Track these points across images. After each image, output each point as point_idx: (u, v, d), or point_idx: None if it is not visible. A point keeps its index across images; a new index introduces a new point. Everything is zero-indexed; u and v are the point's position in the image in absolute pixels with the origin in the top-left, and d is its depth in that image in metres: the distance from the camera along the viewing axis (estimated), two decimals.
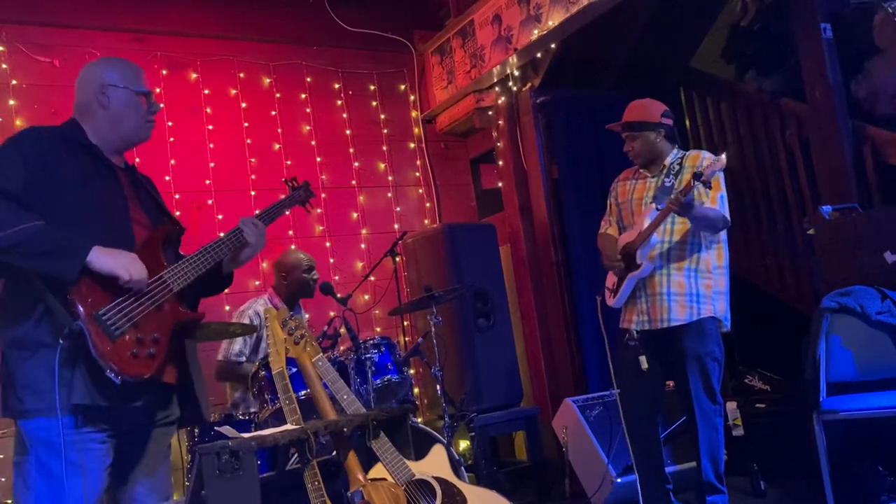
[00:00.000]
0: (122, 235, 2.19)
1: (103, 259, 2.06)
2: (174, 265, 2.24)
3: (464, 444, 5.04)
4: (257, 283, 5.13)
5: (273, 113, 5.49)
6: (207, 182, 5.16)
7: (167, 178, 5.01)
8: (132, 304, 2.10)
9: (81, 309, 2.02)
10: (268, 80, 5.51)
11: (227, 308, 4.87)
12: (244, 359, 4.18)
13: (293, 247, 4.99)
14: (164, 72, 5.16)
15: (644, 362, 3.36)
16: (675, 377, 3.46)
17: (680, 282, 3.36)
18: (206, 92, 5.27)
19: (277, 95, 5.52)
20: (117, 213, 2.24)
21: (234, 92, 5.38)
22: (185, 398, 2.34)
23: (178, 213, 4.98)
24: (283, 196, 2.71)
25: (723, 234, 3.44)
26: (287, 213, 2.71)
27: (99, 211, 2.20)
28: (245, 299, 4.51)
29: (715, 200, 3.32)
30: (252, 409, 3.93)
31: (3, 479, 4.04)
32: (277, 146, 5.47)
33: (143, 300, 2.13)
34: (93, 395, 2.05)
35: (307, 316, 4.54)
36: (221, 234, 2.39)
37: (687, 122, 5.48)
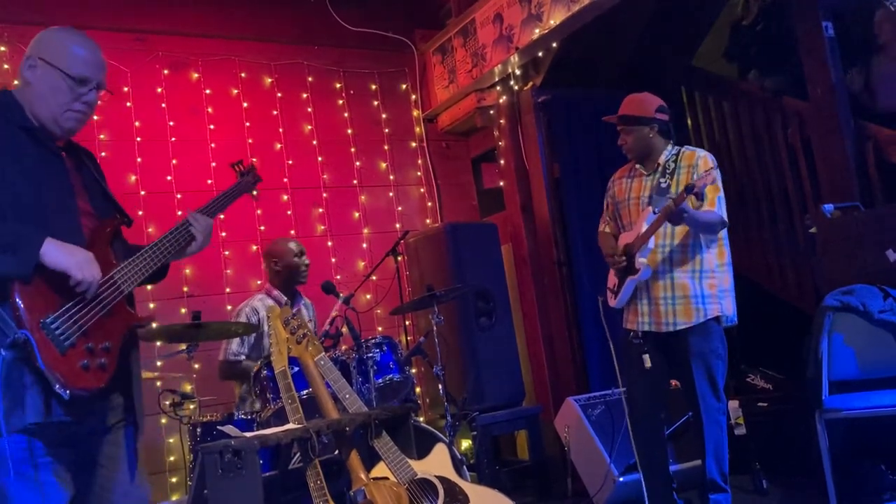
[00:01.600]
0: (72, 231, 1.97)
1: (56, 254, 1.86)
2: (123, 264, 2.04)
3: (466, 443, 5.04)
4: (259, 282, 5.13)
5: (274, 112, 5.50)
6: (209, 182, 5.16)
7: (169, 177, 5.02)
8: (82, 311, 1.90)
9: (27, 316, 1.81)
10: (269, 80, 5.51)
11: (229, 308, 4.88)
12: (243, 357, 4.19)
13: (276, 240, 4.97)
14: (166, 71, 5.16)
15: (647, 360, 3.37)
16: (679, 376, 3.46)
17: (683, 284, 3.35)
18: (208, 92, 5.28)
19: (279, 95, 5.52)
20: (65, 206, 2.02)
21: (235, 91, 5.38)
22: (128, 404, 2.14)
23: (179, 213, 4.99)
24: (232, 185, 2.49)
25: (723, 232, 3.43)
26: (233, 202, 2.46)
27: (44, 203, 1.96)
28: (246, 299, 4.52)
29: (714, 202, 3.31)
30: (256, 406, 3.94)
31: None
32: (279, 146, 5.47)
33: (94, 305, 1.92)
34: (48, 411, 1.87)
35: (309, 303, 4.54)
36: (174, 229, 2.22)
37: (688, 121, 5.47)
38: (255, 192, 2.56)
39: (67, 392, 1.83)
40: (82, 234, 2.01)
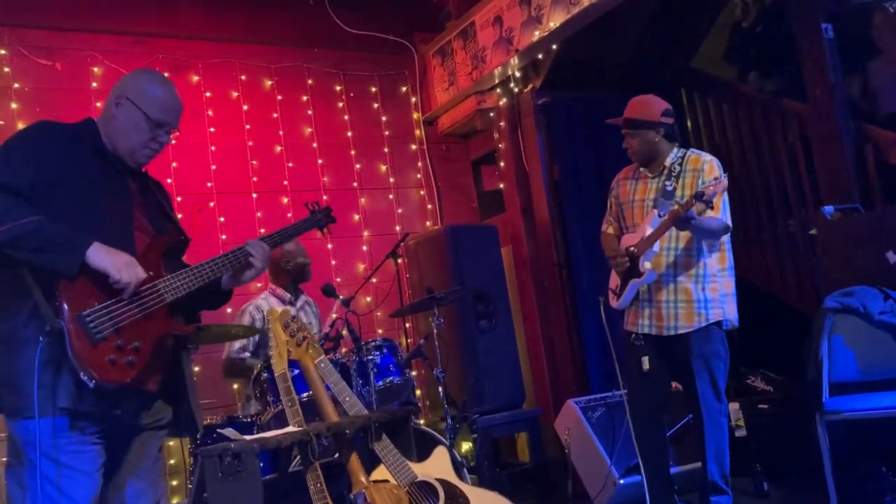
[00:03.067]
0: (123, 241, 2.16)
1: (100, 255, 2.03)
2: (171, 276, 2.19)
3: (466, 446, 5.04)
4: (259, 284, 5.13)
5: (275, 115, 5.50)
6: (209, 184, 5.16)
7: (169, 180, 5.02)
8: (119, 309, 2.06)
9: (66, 308, 1.98)
10: (269, 83, 5.52)
11: (229, 311, 4.87)
12: (247, 354, 4.23)
13: None
14: (166, 74, 5.14)
15: (646, 363, 3.37)
16: (680, 378, 3.46)
17: (686, 288, 3.35)
18: (208, 94, 5.28)
19: (279, 98, 5.53)
20: (120, 218, 2.22)
21: (235, 94, 5.39)
22: (178, 409, 2.32)
23: (180, 216, 4.99)
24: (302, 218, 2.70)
25: (725, 237, 3.43)
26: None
27: (101, 214, 2.17)
28: (246, 300, 4.53)
29: (718, 207, 3.30)
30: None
31: None
32: (279, 148, 5.47)
33: (132, 306, 2.08)
34: (78, 399, 2.01)
35: (312, 300, 4.56)
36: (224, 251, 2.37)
37: (688, 123, 5.47)
38: (327, 232, 2.80)
39: (92, 382, 1.96)
40: (133, 244, 2.19)
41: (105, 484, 2.17)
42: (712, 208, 3.20)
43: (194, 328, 2.29)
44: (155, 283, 2.15)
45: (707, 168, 3.38)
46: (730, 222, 3.35)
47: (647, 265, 3.31)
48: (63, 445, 2.03)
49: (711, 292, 3.36)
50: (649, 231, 3.31)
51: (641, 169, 3.56)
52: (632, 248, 3.37)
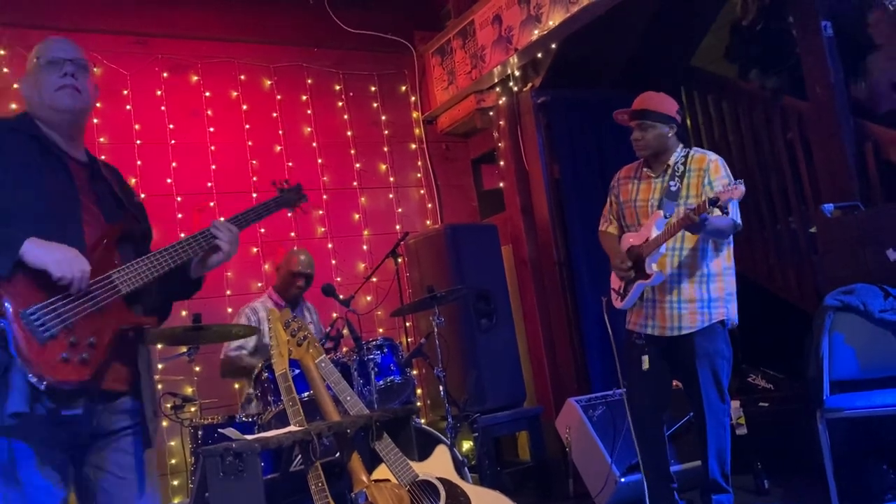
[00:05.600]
0: (70, 233, 2.01)
1: (36, 252, 1.89)
2: (126, 265, 2.05)
3: (467, 445, 5.04)
4: (259, 284, 5.13)
5: (274, 115, 5.50)
6: (209, 184, 5.16)
7: (168, 180, 5.02)
8: (68, 305, 1.92)
9: (10, 307, 1.85)
10: (269, 82, 5.52)
11: (230, 311, 4.88)
12: (245, 351, 4.24)
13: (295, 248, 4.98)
14: (166, 74, 5.17)
15: (646, 362, 3.36)
16: (682, 377, 3.44)
17: (692, 289, 3.33)
18: (207, 94, 5.28)
19: (278, 97, 5.53)
20: (66, 210, 2.06)
21: (235, 94, 5.39)
22: (136, 408, 2.13)
23: (180, 216, 4.99)
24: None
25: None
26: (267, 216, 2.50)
27: (45, 208, 2.02)
28: (247, 301, 4.54)
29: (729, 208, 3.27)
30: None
31: None
32: (279, 148, 5.47)
33: (82, 301, 1.94)
34: (33, 403, 1.87)
35: (312, 306, 4.58)
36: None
37: (688, 121, 5.47)
38: (302, 211, 2.62)
39: (44, 383, 1.84)
40: (82, 237, 2.04)
41: (91, 499, 2.05)
42: (727, 213, 3.14)
43: (154, 319, 2.13)
44: (108, 274, 2.01)
45: (713, 167, 3.35)
46: (739, 220, 3.32)
47: (654, 267, 3.28)
48: (19, 459, 1.89)
49: (716, 291, 3.34)
50: (655, 232, 3.28)
51: (644, 169, 3.51)
52: (636, 249, 3.35)
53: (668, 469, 3.54)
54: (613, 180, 3.65)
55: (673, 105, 3.44)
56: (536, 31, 4.98)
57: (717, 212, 3.15)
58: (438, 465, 2.89)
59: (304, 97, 5.62)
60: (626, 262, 3.37)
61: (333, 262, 5.51)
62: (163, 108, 5.11)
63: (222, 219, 2.29)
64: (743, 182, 3.05)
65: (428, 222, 5.94)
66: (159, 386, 4.31)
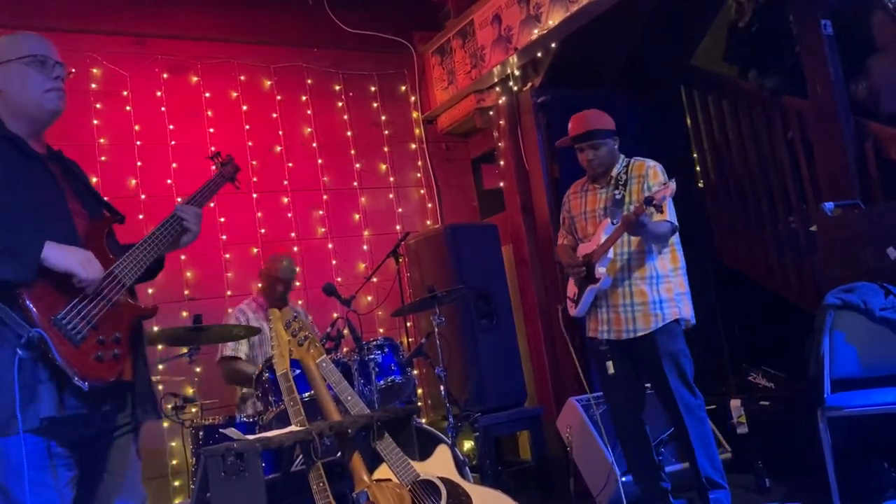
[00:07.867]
0: (64, 230, 2.03)
1: (58, 256, 1.91)
2: (121, 258, 2.09)
3: (468, 445, 5.04)
4: (260, 284, 5.13)
5: (274, 115, 5.50)
6: None
7: (169, 181, 5.02)
8: (88, 305, 1.96)
9: (37, 314, 1.86)
10: (268, 83, 5.51)
11: (230, 311, 4.87)
12: (242, 356, 4.27)
13: (279, 253, 4.97)
14: (165, 75, 5.16)
15: (611, 367, 3.48)
16: (651, 379, 3.53)
17: (641, 291, 3.43)
18: (207, 95, 5.28)
19: (278, 98, 5.52)
20: (55, 206, 2.07)
21: (234, 94, 5.38)
22: (140, 396, 2.19)
23: None
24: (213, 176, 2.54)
25: (675, 238, 3.52)
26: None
27: (35, 206, 2.02)
28: (231, 305, 4.60)
29: (665, 209, 3.38)
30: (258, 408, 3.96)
31: None
32: (279, 148, 5.47)
33: (99, 300, 1.99)
34: (62, 406, 1.91)
35: (301, 310, 4.62)
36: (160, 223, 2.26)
37: (688, 121, 5.47)
38: (238, 184, 2.64)
39: (86, 383, 1.88)
40: (77, 234, 2.07)
41: (86, 497, 2.07)
42: (661, 212, 3.30)
43: (156, 307, 2.19)
44: (111, 269, 2.05)
45: (651, 173, 3.50)
46: (676, 222, 3.44)
47: (602, 270, 3.41)
48: (35, 461, 1.91)
49: (666, 292, 3.45)
50: (604, 238, 3.41)
51: (590, 182, 3.65)
52: (587, 257, 3.47)
53: (657, 468, 3.61)
54: (565, 197, 3.82)
55: (610, 119, 3.61)
56: (536, 31, 4.98)
57: (656, 215, 3.31)
58: (439, 465, 2.90)
59: (304, 97, 5.62)
60: (578, 260, 3.51)
61: (334, 262, 5.51)
62: (163, 108, 5.11)
63: (180, 199, 2.37)
64: (675, 181, 3.22)
65: (428, 222, 5.94)
66: (160, 387, 4.32)
